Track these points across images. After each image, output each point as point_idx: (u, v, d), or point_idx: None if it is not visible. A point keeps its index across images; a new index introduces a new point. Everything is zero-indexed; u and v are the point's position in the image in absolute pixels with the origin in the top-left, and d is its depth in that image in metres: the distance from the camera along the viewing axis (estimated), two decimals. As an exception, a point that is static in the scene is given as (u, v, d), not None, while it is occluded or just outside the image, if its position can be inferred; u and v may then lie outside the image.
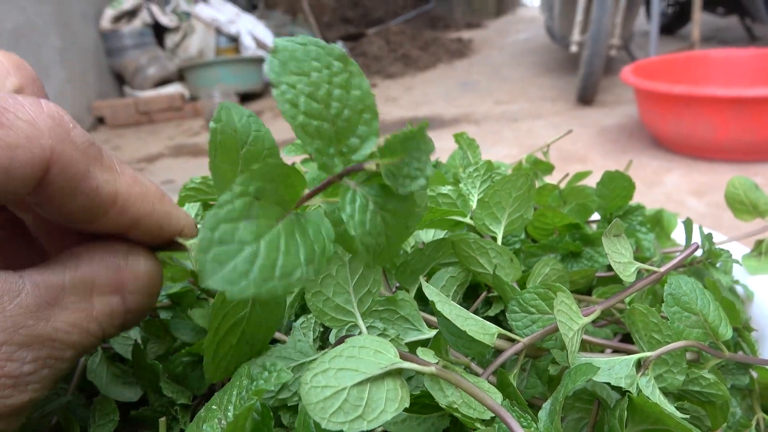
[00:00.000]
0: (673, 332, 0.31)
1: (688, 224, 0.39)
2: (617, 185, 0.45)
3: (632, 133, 3.16)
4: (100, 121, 4.89)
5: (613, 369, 0.29)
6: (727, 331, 0.31)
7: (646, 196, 2.44)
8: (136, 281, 0.30)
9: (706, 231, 0.42)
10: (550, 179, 0.58)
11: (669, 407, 0.29)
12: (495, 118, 3.77)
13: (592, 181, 0.53)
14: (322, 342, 0.36)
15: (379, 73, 5.11)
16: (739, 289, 0.46)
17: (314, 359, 0.30)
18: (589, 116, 3.54)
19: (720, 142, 2.60)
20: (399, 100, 4.46)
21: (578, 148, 3.06)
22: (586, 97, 3.66)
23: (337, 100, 0.28)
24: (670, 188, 2.49)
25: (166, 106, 4.82)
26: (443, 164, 0.52)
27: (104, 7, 5.12)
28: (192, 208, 0.48)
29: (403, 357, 0.28)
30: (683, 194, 2.43)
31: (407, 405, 0.26)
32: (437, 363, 0.29)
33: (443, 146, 3.63)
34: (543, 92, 4.18)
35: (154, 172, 3.63)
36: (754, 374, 0.37)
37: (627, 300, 0.34)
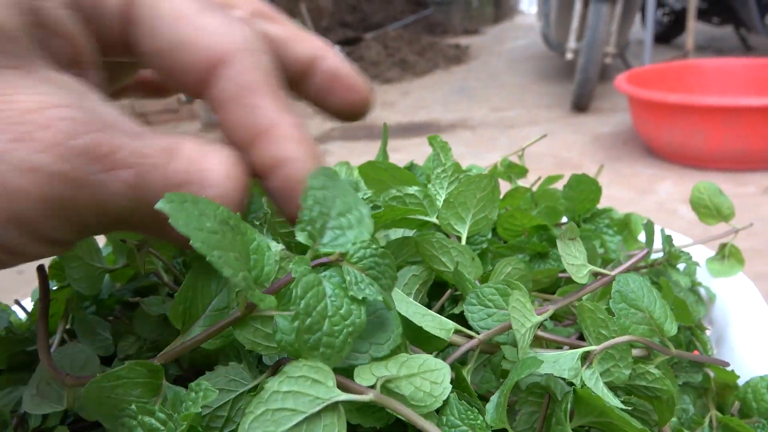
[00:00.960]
0: (619, 328, 0.31)
1: (648, 227, 0.40)
2: (584, 188, 0.46)
3: (627, 141, 3.18)
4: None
5: (558, 362, 0.30)
6: (671, 328, 0.32)
7: (638, 204, 2.45)
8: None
9: (667, 233, 0.42)
10: (526, 183, 0.59)
11: (612, 400, 0.30)
12: (491, 124, 3.78)
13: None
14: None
15: (376, 78, 5.13)
16: (702, 291, 0.47)
17: (251, 393, 0.30)
18: (584, 123, 3.55)
19: (713, 151, 2.61)
20: (396, 105, 4.47)
21: (573, 155, 3.07)
22: (581, 104, 3.68)
23: None
24: (663, 197, 2.51)
25: (162, 108, 4.82)
26: (418, 167, 0.53)
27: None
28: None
29: (340, 386, 0.27)
30: (675, 203, 2.44)
31: None
32: (374, 386, 0.28)
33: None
34: (539, 99, 4.20)
35: (150, 173, 3.64)
36: (712, 374, 0.38)
37: (583, 298, 0.35)
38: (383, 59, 5.31)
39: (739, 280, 0.46)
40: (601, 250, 0.47)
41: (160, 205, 0.24)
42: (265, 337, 0.30)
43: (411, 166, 0.53)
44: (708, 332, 0.46)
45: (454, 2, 7.04)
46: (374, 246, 0.30)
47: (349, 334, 0.28)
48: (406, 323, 0.33)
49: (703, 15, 4.49)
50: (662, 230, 0.42)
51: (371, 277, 0.29)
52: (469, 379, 0.31)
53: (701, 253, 0.50)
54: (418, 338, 0.34)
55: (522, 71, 5.09)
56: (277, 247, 0.31)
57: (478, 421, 0.28)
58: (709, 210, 0.47)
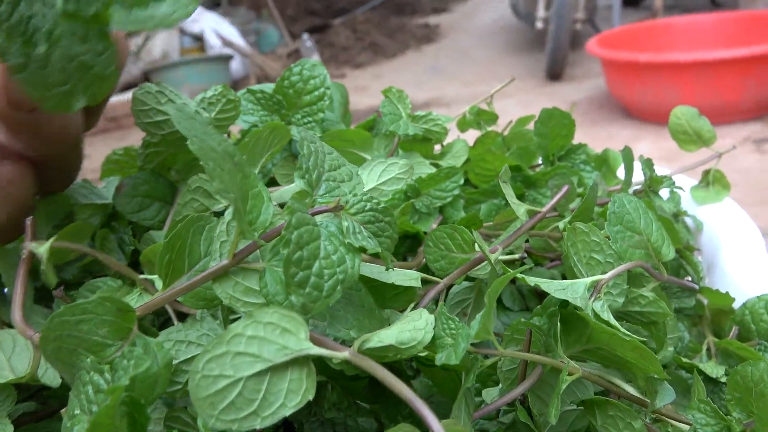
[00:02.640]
0: (616, 252, 0.29)
1: (626, 153, 0.38)
2: (556, 123, 0.43)
3: (602, 104, 3.17)
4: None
5: (568, 289, 0.28)
6: (669, 252, 0.30)
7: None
8: None
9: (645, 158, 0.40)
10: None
11: (623, 331, 0.28)
12: (465, 99, 3.76)
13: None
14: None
15: (347, 63, 5.08)
16: (689, 221, 0.45)
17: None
18: (559, 91, 3.54)
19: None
20: (368, 89, 4.43)
21: (549, 123, 3.06)
22: (554, 73, 3.67)
23: None
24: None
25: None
26: (380, 121, 0.50)
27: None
28: (114, 182, 0.46)
29: (313, 340, 0.25)
30: (654, 161, 2.44)
31: (311, 397, 0.24)
32: (351, 347, 0.26)
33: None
34: (511, 71, 4.18)
35: (125, 176, 3.58)
36: (705, 300, 0.36)
37: (562, 225, 0.32)
38: (353, 44, 5.26)
39: (726, 205, 0.44)
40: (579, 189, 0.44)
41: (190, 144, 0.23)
42: (245, 292, 0.28)
43: (374, 121, 0.50)
44: (699, 259, 0.44)
45: (421, -19, 6.98)
46: (375, 200, 0.28)
47: (339, 281, 0.26)
48: (371, 285, 0.31)
49: (668, -25, 4.48)
50: (641, 156, 0.40)
51: (371, 231, 0.28)
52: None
53: (685, 182, 0.47)
54: (386, 298, 0.32)
55: (493, 45, 5.06)
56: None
57: (461, 330, 0.26)
58: (688, 135, 0.45)
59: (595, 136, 2.77)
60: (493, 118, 0.53)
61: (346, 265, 0.26)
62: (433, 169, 0.43)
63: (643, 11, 5.01)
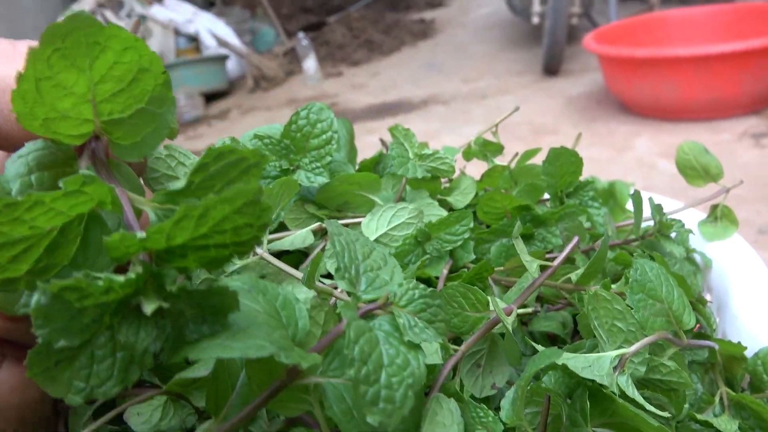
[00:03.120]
0: (638, 321, 0.29)
1: (636, 197, 0.38)
2: (564, 161, 0.43)
3: (600, 100, 3.17)
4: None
5: (593, 366, 0.27)
6: (690, 320, 0.30)
7: (617, 162, 2.44)
8: None
9: (656, 201, 0.40)
10: (502, 158, 0.57)
11: (646, 405, 0.28)
12: (463, 96, 3.75)
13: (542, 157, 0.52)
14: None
15: (344, 61, 5.07)
16: (698, 257, 0.45)
17: None
18: (556, 87, 3.53)
19: (686, 101, 2.61)
20: (366, 87, 4.42)
21: (548, 120, 3.05)
22: (551, 68, 3.66)
23: None
24: (641, 152, 2.50)
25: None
26: (386, 156, 0.50)
27: (57, 17, 5.01)
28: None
29: None
30: (654, 157, 2.43)
31: None
32: None
33: (414, 129, 3.61)
34: (509, 66, 4.17)
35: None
36: (717, 346, 0.36)
37: (575, 279, 0.32)
38: (349, 41, 5.25)
39: (735, 243, 0.44)
40: (587, 224, 0.44)
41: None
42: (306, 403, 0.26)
43: (380, 156, 0.50)
44: (707, 298, 0.44)
45: (415, -24, 6.96)
46: (421, 286, 0.28)
47: (409, 386, 0.24)
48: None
49: (664, -34, 4.46)
50: (651, 199, 0.40)
51: (425, 320, 0.27)
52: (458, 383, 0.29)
53: (692, 217, 0.47)
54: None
55: (489, 40, 5.05)
56: (307, 293, 0.29)
57: (489, 418, 0.25)
58: (696, 171, 0.45)
59: (594, 132, 2.77)
60: (498, 149, 0.53)
61: (411, 366, 0.24)
62: (442, 211, 0.43)
63: (639, 3, 5.00)
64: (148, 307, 0.21)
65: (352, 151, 0.49)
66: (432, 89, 4.02)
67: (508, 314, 0.29)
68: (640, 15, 3.47)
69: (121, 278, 0.20)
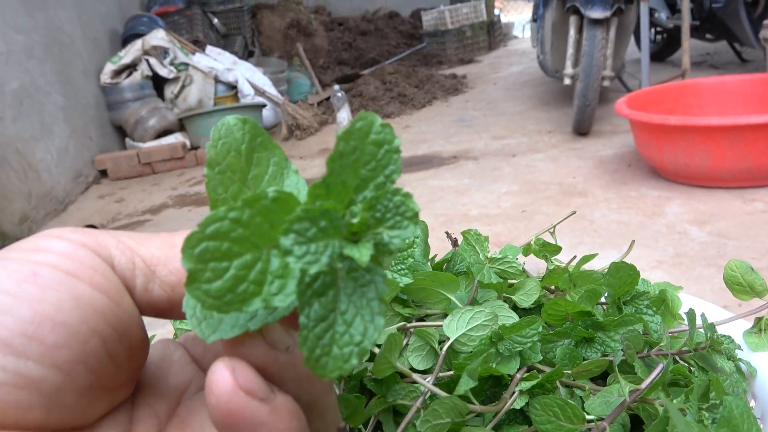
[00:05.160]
0: None
1: (691, 316, 0.42)
2: (623, 274, 0.48)
3: (631, 163, 3.21)
4: (103, 173, 4.96)
5: None
6: None
7: (647, 227, 2.47)
8: None
9: (707, 310, 0.45)
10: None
11: None
12: (493, 153, 3.82)
13: (597, 261, 0.57)
14: None
15: (376, 113, 5.18)
16: (743, 366, 0.49)
17: None
18: (587, 148, 3.59)
19: (718, 169, 2.64)
20: (399, 139, 4.51)
21: (578, 181, 3.10)
22: (582, 129, 3.72)
23: None
24: (672, 218, 2.52)
25: (167, 157, 4.88)
26: (457, 254, 0.55)
27: (104, 62, 5.23)
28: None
29: None
30: (685, 224, 2.45)
31: None
32: None
33: (443, 184, 3.66)
34: (539, 125, 4.24)
35: (160, 223, 3.68)
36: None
37: (663, 410, 0.37)
38: (382, 94, 5.38)
39: (779, 355, 0.48)
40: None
41: None
42: None
43: (452, 256, 0.55)
44: (752, 405, 0.48)
45: (448, 33, 7.14)
46: None
47: None
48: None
49: (696, 32, 4.55)
50: (703, 316, 0.45)
51: None
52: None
53: (738, 326, 0.52)
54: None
55: (520, 98, 5.14)
56: None
57: None
58: (742, 287, 0.49)
59: (624, 195, 2.80)
60: (556, 250, 0.58)
61: None
62: (513, 314, 0.48)
63: (671, 65, 5.08)
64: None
65: (427, 248, 0.54)
66: (462, 145, 4.10)
67: (603, 430, 0.34)
68: (672, 81, 3.53)
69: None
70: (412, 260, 0.47)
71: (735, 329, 0.51)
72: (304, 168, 4.25)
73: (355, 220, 0.21)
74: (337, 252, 0.21)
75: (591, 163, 3.34)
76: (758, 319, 0.49)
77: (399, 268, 0.47)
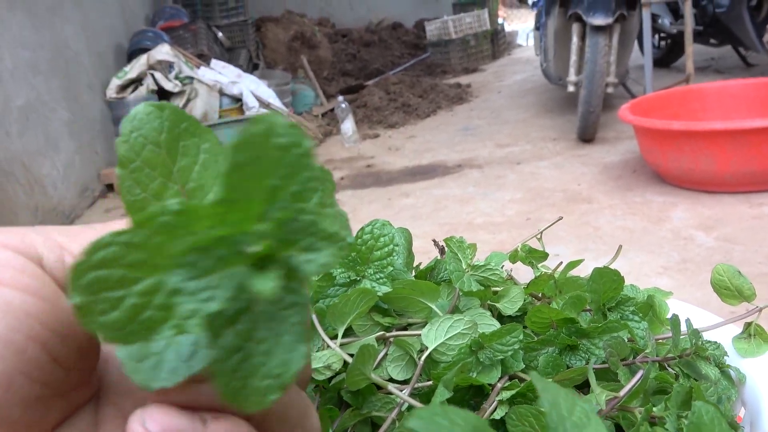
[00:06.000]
0: None
1: (674, 322, 0.41)
2: (607, 279, 0.47)
3: (635, 168, 3.19)
4: (110, 188, 4.98)
5: None
6: None
7: (652, 233, 2.45)
8: None
9: (693, 322, 0.44)
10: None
11: None
12: (498, 161, 3.81)
13: (585, 267, 0.56)
14: None
15: (380, 123, 5.20)
16: (732, 373, 0.48)
17: None
18: (591, 154, 3.57)
19: (723, 174, 2.62)
20: (402, 150, 4.52)
21: (582, 188, 3.08)
22: (586, 136, 3.70)
23: None
24: (677, 224, 2.50)
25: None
26: (442, 262, 0.54)
27: (110, 77, 5.26)
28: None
29: None
30: (691, 230, 2.43)
31: None
32: None
33: (448, 193, 3.65)
34: (543, 133, 4.23)
35: (165, 236, 3.68)
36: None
37: (640, 418, 0.35)
38: (386, 104, 5.39)
39: (767, 361, 0.47)
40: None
41: (411, 425, 0.21)
42: None
43: (436, 264, 0.55)
44: (742, 413, 0.47)
45: (451, 42, 7.16)
46: None
47: None
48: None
49: (699, 37, 4.53)
50: (688, 322, 0.44)
51: None
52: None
53: (727, 331, 0.51)
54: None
55: (524, 105, 5.14)
56: None
57: None
58: (730, 291, 0.48)
59: (629, 201, 2.79)
60: (543, 256, 0.57)
61: None
62: (494, 322, 0.47)
63: (675, 71, 5.06)
64: None
65: (410, 256, 0.54)
66: (467, 153, 4.10)
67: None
68: (676, 87, 3.51)
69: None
70: (391, 268, 0.47)
71: (725, 335, 0.50)
72: (308, 179, 4.24)
73: (257, 247, 0.19)
74: (238, 284, 0.19)
75: (595, 169, 3.32)
76: (747, 324, 0.48)
77: (378, 276, 0.46)
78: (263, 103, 5.32)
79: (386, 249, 0.47)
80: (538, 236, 0.60)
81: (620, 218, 2.65)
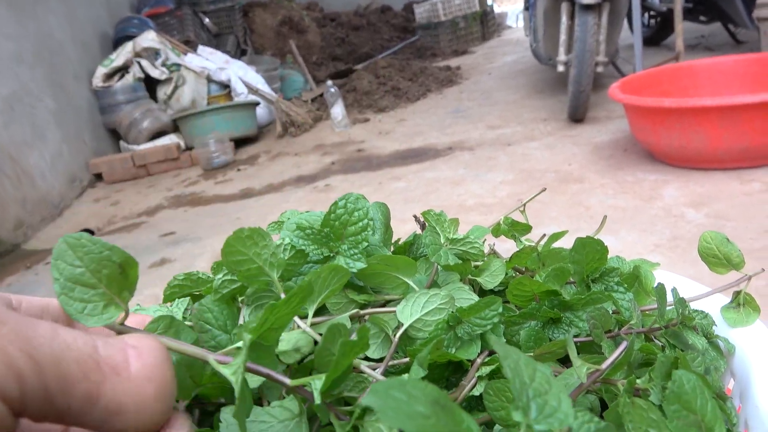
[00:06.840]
0: (671, 430, 0.31)
1: (660, 291, 0.39)
2: (590, 250, 0.45)
3: (626, 147, 3.17)
4: (98, 177, 4.93)
5: None
6: (721, 430, 0.32)
7: (644, 212, 2.44)
8: None
9: (681, 292, 0.42)
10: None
11: None
12: (489, 143, 3.79)
13: (569, 239, 0.54)
14: None
15: (370, 108, 5.16)
16: (721, 343, 0.46)
17: None
18: (582, 134, 3.55)
19: (714, 151, 2.60)
20: (392, 133, 4.49)
21: (574, 168, 3.07)
22: (577, 116, 3.68)
23: None
24: (669, 201, 2.49)
25: (162, 158, 4.86)
26: (420, 236, 0.52)
27: (96, 66, 5.20)
28: (181, 303, 0.48)
29: None
30: (682, 207, 2.42)
31: None
32: None
33: (439, 176, 3.62)
34: (534, 113, 4.21)
35: (156, 224, 3.65)
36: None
37: (623, 390, 0.34)
38: (376, 88, 5.35)
39: (757, 330, 0.45)
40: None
41: (366, 401, 0.21)
42: None
43: (414, 239, 0.53)
44: (731, 385, 0.45)
45: (441, 25, 7.10)
46: (595, 419, 0.28)
47: None
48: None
49: (689, 14, 4.50)
50: (674, 290, 0.42)
51: None
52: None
53: (716, 301, 0.49)
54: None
55: (514, 87, 5.11)
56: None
57: None
58: (718, 259, 0.46)
59: (621, 180, 2.77)
60: (526, 229, 0.55)
61: None
62: (473, 296, 0.45)
63: (665, 50, 5.03)
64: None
65: (388, 232, 0.52)
66: (458, 136, 4.07)
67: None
68: (666, 64, 3.49)
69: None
70: (366, 244, 0.45)
71: (714, 306, 0.48)
72: (299, 164, 4.22)
73: None
74: None
75: (587, 149, 3.30)
76: (736, 293, 0.46)
77: (352, 252, 0.44)
78: (252, 89, 5.27)
79: (360, 224, 0.44)
80: (521, 209, 0.58)
81: (612, 197, 2.63)
